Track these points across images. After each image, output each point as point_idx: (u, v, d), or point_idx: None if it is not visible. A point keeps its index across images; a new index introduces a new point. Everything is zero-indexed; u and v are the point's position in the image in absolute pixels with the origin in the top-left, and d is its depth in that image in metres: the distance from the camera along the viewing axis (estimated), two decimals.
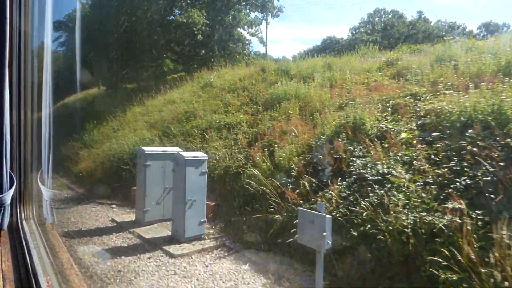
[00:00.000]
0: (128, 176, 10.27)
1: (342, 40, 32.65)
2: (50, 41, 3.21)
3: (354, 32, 33.92)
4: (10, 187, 1.66)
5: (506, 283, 3.46)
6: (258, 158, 7.65)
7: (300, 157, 7.27)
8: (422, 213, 4.65)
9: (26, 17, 2.26)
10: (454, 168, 5.21)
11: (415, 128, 6.67)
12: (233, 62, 19.86)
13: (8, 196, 1.65)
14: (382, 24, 31.39)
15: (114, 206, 9.42)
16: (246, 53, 22.63)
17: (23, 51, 2.22)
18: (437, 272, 3.90)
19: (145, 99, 16.51)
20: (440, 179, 5.17)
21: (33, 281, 1.91)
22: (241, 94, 12.49)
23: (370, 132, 6.92)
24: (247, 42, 22.38)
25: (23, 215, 2.40)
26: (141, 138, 11.60)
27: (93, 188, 11.08)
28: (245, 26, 22.23)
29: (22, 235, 2.25)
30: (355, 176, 5.92)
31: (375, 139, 6.47)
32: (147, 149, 7.85)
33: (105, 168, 11.57)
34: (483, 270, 3.63)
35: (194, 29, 18.79)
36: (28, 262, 2.04)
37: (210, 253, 6.22)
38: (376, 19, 34.20)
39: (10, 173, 1.65)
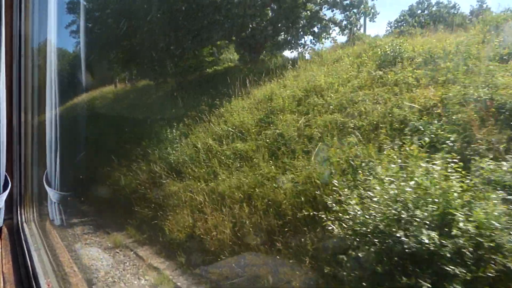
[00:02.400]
0: None
1: (369, 37, 30.96)
2: (54, 38, 3.19)
3: (394, 25, 32.21)
4: (5, 189, 1.64)
5: None
6: None
7: None
8: None
9: (27, 18, 2.25)
10: None
11: None
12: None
13: (2, 198, 1.64)
14: (427, 17, 30.39)
15: None
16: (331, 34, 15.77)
17: (23, 53, 2.21)
18: None
19: (247, 88, 8.27)
20: None
21: (34, 283, 1.91)
22: None
23: None
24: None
25: (23, 217, 2.39)
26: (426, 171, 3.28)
27: None
28: None
29: (22, 237, 2.24)
30: None
31: None
32: None
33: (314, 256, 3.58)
34: None
35: None
36: (29, 264, 2.03)
37: None
38: (419, 11, 33.11)
39: (5, 176, 1.64)
